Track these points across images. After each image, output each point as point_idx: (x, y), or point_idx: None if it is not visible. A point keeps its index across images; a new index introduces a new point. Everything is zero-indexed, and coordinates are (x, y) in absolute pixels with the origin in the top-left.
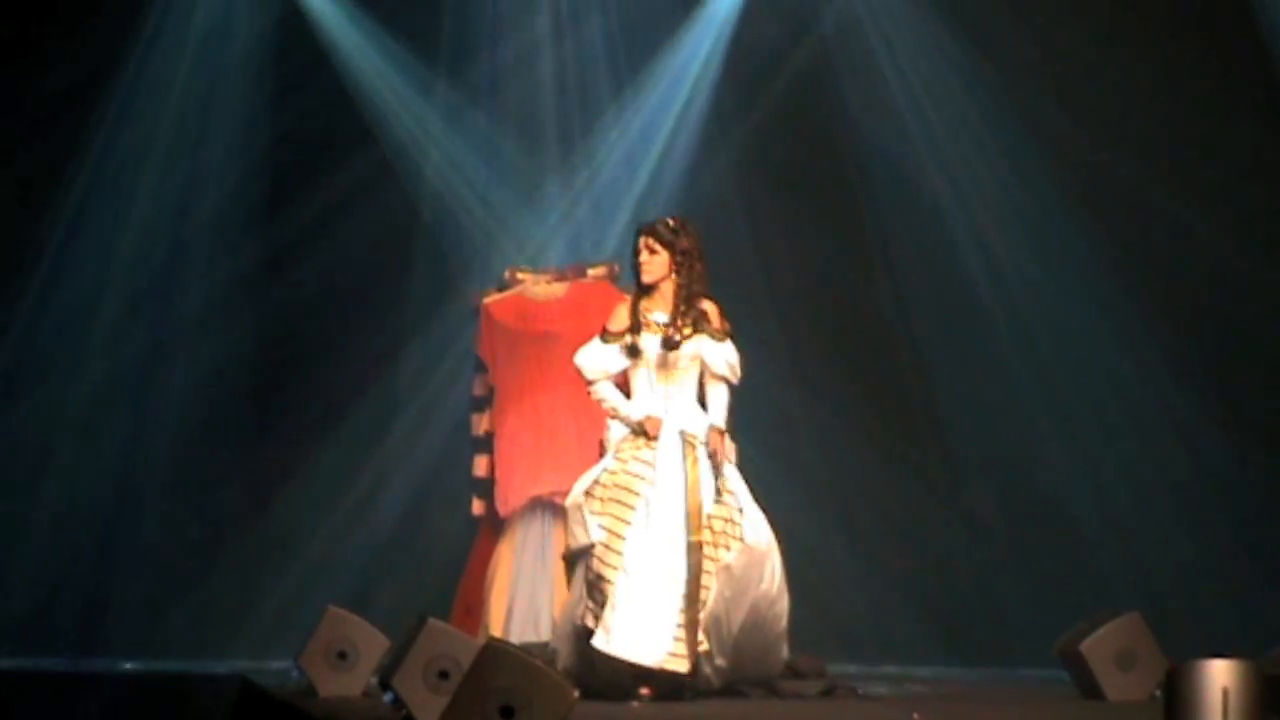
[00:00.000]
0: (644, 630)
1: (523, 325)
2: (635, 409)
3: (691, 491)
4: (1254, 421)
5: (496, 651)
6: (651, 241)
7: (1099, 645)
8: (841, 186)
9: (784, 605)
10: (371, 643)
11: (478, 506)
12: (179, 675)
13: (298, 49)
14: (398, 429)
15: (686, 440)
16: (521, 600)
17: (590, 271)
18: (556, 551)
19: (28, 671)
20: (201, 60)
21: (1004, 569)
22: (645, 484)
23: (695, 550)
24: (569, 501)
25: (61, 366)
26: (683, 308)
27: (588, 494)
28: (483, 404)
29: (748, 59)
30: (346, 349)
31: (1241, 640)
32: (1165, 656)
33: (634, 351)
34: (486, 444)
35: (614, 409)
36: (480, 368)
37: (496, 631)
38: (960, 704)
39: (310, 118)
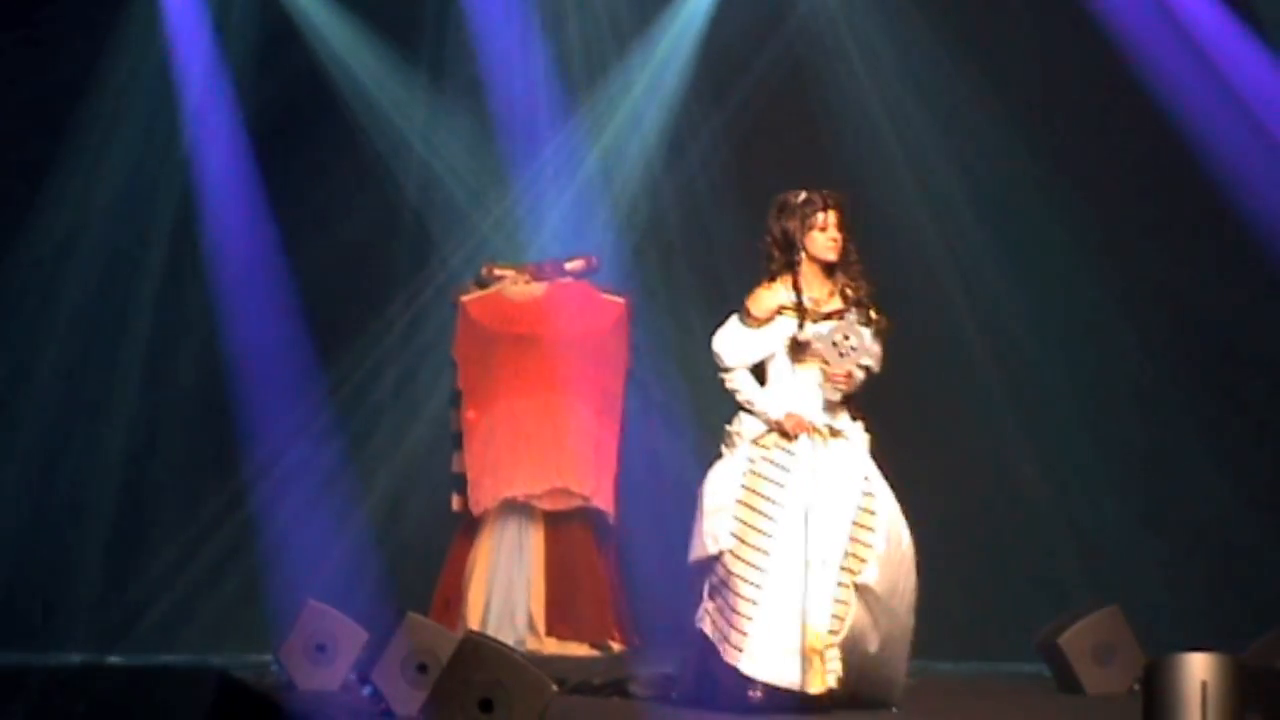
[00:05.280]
0: (784, 650)
1: (500, 326)
2: (773, 404)
3: (823, 501)
4: (1235, 415)
5: (475, 645)
6: (840, 217)
7: (1077, 639)
8: (822, 177)
9: (912, 620)
10: (350, 636)
11: (457, 502)
12: (157, 669)
13: (276, 35)
14: (378, 422)
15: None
16: (498, 597)
17: (568, 265)
18: (534, 550)
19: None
20: (178, 48)
21: (982, 562)
22: (781, 490)
23: (825, 566)
24: (707, 504)
25: (30, 352)
26: (864, 299)
27: (723, 497)
28: (460, 400)
29: (725, 48)
30: (326, 340)
31: (1220, 634)
32: (1144, 650)
33: (798, 345)
34: (463, 440)
35: (749, 401)
36: (455, 366)
37: (474, 626)
38: (939, 698)
39: (289, 104)
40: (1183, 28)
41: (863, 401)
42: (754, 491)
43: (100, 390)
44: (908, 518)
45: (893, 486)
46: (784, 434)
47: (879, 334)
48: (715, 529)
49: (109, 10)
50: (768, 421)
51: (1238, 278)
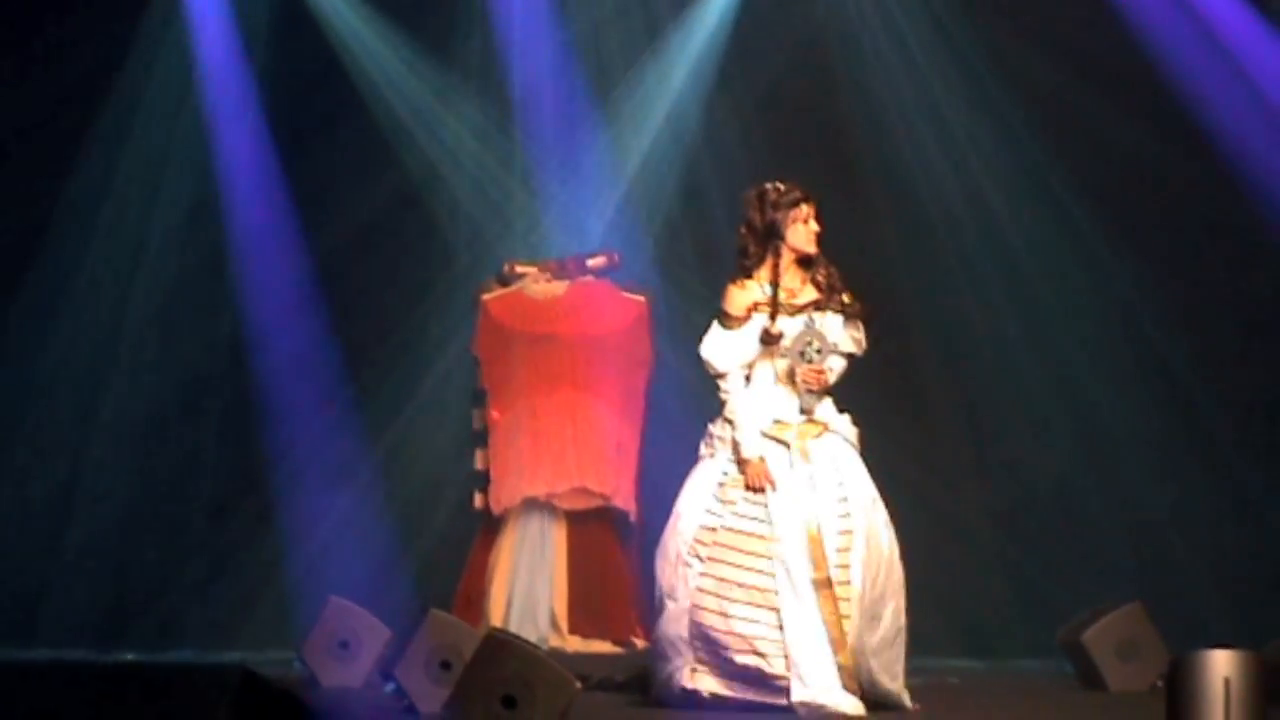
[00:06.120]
0: (829, 676)
1: (521, 325)
2: (752, 433)
3: (809, 523)
4: (1259, 411)
5: (498, 642)
6: (818, 210)
7: (1101, 635)
8: (845, 167)
9: (903, 619)
10: (373, 633)
11: (479, 500)
12: (180, 665)
13: (299, 34)
14: (401, 419)
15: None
16: (520, 595)
17: (590, 262)
18: (556, 549)
19: (28, 662)
20: (201, 45)
21: (1005, 559)
22: (766, 525)
23: (824, 586)
24: (681, 526)
25: (54, 347)
26: (837, 284)
27: (698, 538)
28: (482, 398)
29: (749, 42)
30: (350, 336)
31: (1244, 630)
32: (1167, 647)
33: (770, 337)
34: (485, 438)
35: (732, 420)
36: (478, 364)
37: (496, 624)
38: (961, 695)
39: (312, 103)
40: (1206, 23)
41: (873, 394)
42: (731, 532)
43: (120, 386)
44: (929, 511)
45: (912, 484)
46: (748, 484)
47: (854, 317)
48: (685, 563)
49: (133, 12)
50: (735, 453)
51: (1260, 275)
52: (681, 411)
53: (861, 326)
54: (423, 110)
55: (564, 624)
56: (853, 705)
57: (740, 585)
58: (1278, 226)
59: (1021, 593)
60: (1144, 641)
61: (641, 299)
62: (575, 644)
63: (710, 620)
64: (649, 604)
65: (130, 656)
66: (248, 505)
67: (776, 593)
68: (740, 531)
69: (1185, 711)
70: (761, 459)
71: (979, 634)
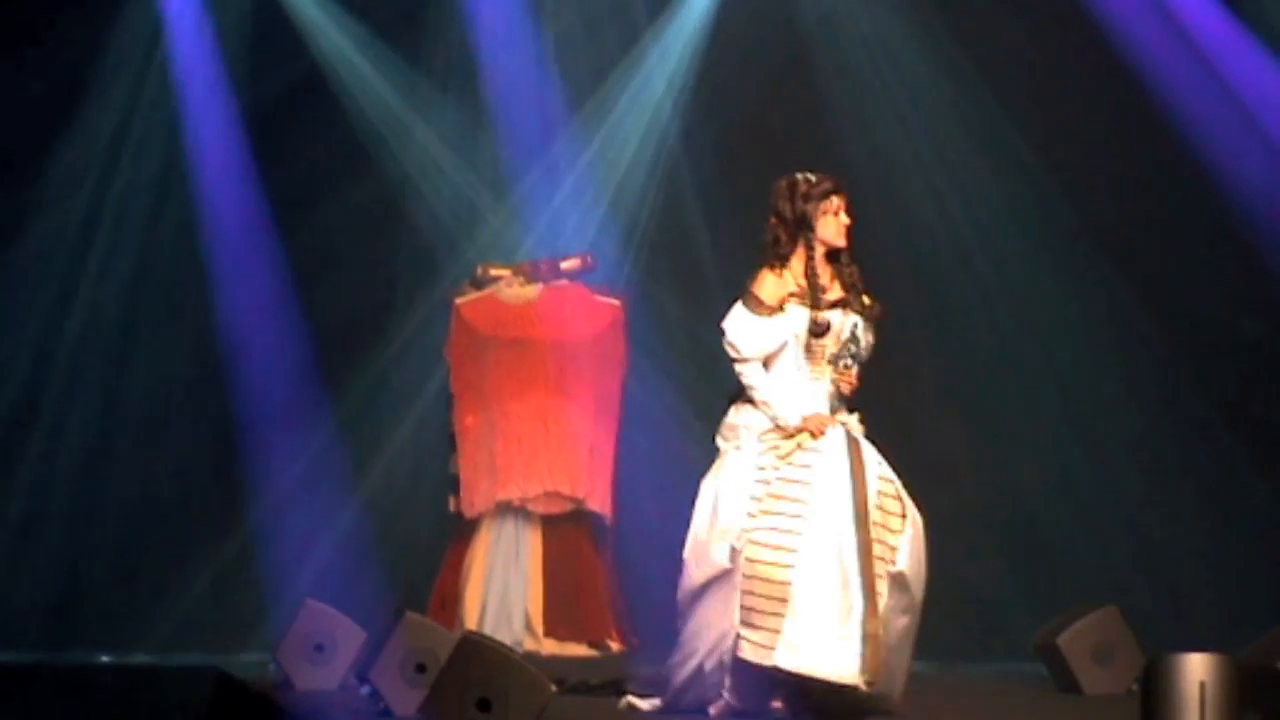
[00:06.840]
0: (831, 643)
1: (494, 330)
2: (789, 408)
3: (859, 490)
4: (1234, 416)
5: (474, 645)
6: (849, 202)
7: (1076, 639)
8: (826, 167)
9: (920, 608)
10: (349, 636)
11: (453, 503)
12: (154, 668)
13: (275, 41)
14: (378, 422)
15: (850, 433)
16: (494, 598)
17: (564, 265)
18: (530, 552)
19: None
20: (176, 53)
21: (980, 562)
22: (807, 489)
23: (866, 553)
24: (722, 518)
25: (29, 355)
26: (858, 284)
27: (736, 510)
28: (452, 402)
29: (728, 46)
30: (328, 340)
31: (1219, 634)
32: (1142, 650)
33: (819, 327)
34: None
35: (766, 403)
36: (449, 367)
37: (471, 627)
38: (937, 698)
39: (284, 107)
40: (1181, 25)
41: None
42: (782, 497)
43: (100, 390)
44: None
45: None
46: (809, 434)
47: (872, 320)
48: (731, 543)
49: (107, 12)
50: (785, 427)
51: (1239, 277)
52: (653, 414)
53: (873, 331)
54: (398, 114)
55: (539, 627)
56: (853, 674)
57: (797, 534)
58: (1270, 234)
59: (995, 595)
60: (1119, 645)
61: (616, 302)
62: (550, 647)
63: (764, 572)
64: (625, 607)
65: (103, 658)
66: (223, 506)
67: (797, 549)
68: (795, 481)
69: (1160, 715)
70: (807, 417)
71: (954, 637)
